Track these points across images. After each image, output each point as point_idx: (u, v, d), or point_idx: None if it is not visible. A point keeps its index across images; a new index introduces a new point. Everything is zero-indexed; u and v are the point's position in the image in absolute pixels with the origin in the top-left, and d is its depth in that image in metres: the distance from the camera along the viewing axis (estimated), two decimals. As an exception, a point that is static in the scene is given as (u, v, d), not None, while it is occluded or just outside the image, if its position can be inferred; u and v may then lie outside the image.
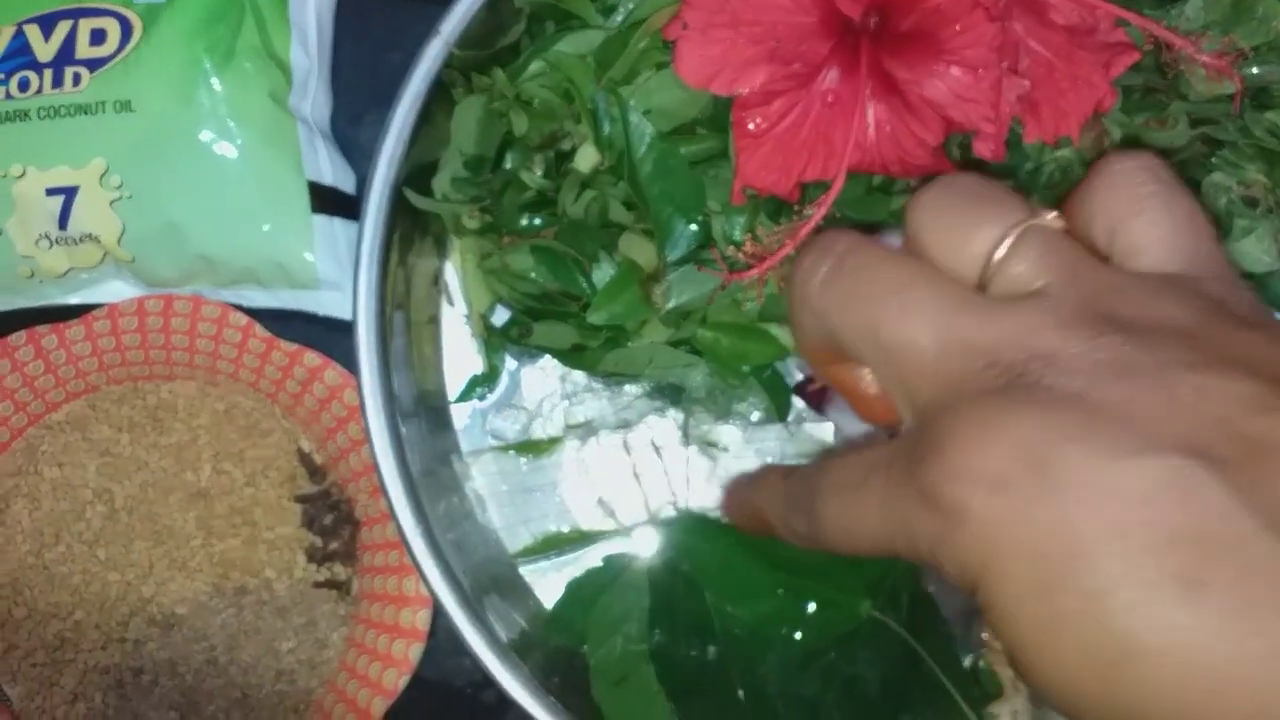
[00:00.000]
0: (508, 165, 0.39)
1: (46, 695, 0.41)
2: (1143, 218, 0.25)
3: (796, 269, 0.27)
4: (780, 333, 0.41)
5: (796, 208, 0.39)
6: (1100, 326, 0.23)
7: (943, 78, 0.38)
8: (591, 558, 0.42)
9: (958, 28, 0.37)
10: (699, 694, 0.37)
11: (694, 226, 0.39)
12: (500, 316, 0.43)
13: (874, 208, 0.40)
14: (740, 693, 0.37)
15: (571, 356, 0.42)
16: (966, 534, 0.22)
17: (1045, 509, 0.21)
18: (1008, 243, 0.25)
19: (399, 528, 0.37)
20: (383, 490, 0.38)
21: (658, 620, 0.37)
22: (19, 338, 0.41)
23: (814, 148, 0.39)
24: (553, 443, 0.42)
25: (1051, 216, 0.25)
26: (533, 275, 0.40)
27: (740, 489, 0.35)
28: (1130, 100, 0.38)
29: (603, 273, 0.40)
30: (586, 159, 0.38)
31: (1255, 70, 0.38)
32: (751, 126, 0.38)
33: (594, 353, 0.41)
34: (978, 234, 0.25)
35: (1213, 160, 0.37)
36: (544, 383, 0.43)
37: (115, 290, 0.41)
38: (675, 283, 0.39)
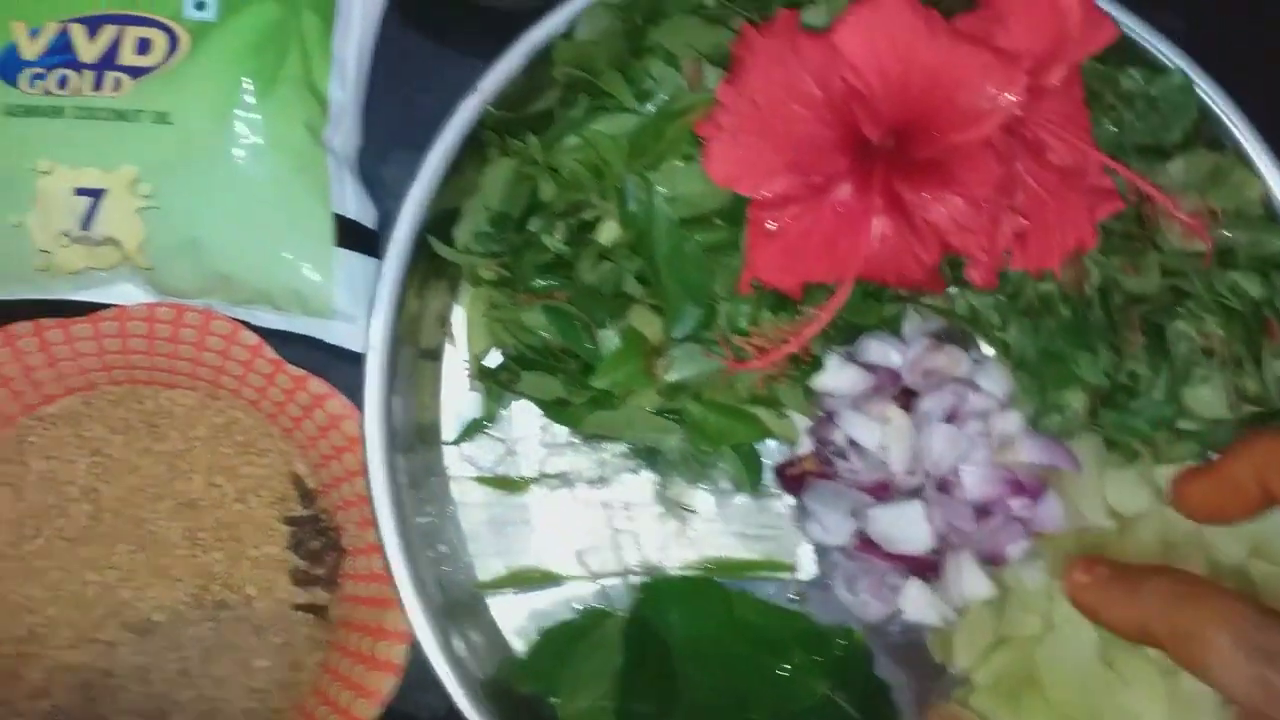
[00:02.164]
0: (531, 227, 0.41)
1: (10, 686, 0.43)
2: None
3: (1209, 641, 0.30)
4: (767, 415, 0.44)
5: (799, 306, 0.42)
6: None
7: (947, 205, 0.41)
8: (558, 598, 0.45)
9: (968, 163, 0.40)
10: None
11: (700, 309, 0.41)
12: (495, 359, 0.46)
13: (867, 313, 0.43)
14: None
15: (555, 410, 0.45)
16: None
17: None
18: None
19: (386, 563, 0.40)
20: (375, 526, 0.41)
21: (627, 685, 0.40)
22: (24, 327, 0.42)
23: (821, 253, 0.42)
24: (526, 483, 0.45)
25: None
26: (541, 331, 0.42)
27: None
28: (1110, 243, 0.43)
29: (607, 338, 0.42)
30: (608, 232, 0.41)
31: (1225, 233, 0.42)
32: (769, 227, 0.41)
33: (577, 409, 0.44)
34: None
35: (1178, 309, 0.42)
36: (525, 423, 0.45)
37: (125, 293, 0.43)
38: (678, 358, 0.42)
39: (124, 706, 0.43)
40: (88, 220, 0.42)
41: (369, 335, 0.43)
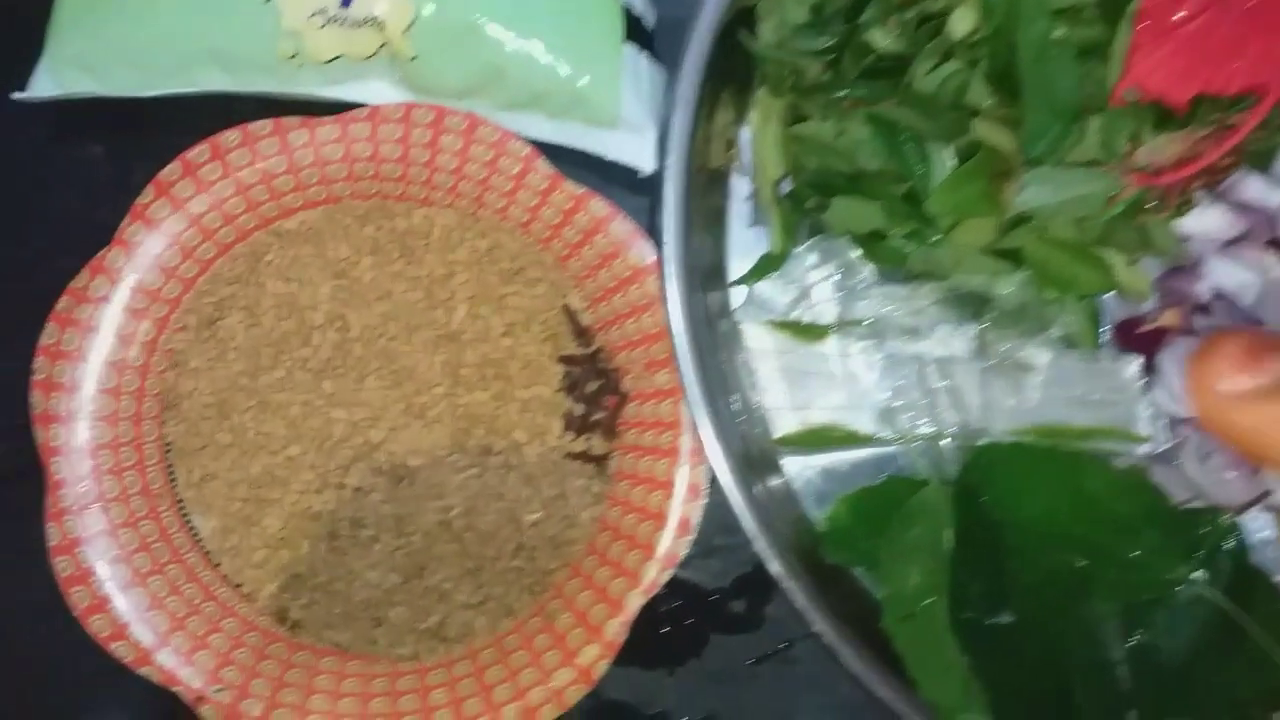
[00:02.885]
0: (863, 18, 0.34)
1: (243, 535, 0.37)
2: None
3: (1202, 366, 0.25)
4: (1116, 262, 0.37)
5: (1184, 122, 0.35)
6: None
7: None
8: (859, 460, 0.41)
9: None
10: (993, 655, 0.36)
11: (1063, 124, 0.34)
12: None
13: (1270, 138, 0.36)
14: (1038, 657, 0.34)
15: (869, 244, 0.39)
16: None
17: None
18: None
19: (691, 408, 0.36)
20: (675, 366, 0.35)
21: (959, 564, 0.34)
22: (263, 126, 0.37)
23: (1227, 55, 0.34)
24: (825, 331, 0.39)
25: None
26: (861, 150, 0.36)
27: None
28: None
29: (940, 159, 0.36)
30: (962, 23, 0.34)
31: None
32: (1172, 19, 0.33)
33: (897, 245, 0.37)
34: None
35: None
36: (818, 262, 0.39)
37: (377, 92, 0.37)
38: (1032, 182, 0.35)
39: (375, 561, 0.38)
40: (347, -3, 0.36)
41: (669, 145, 0.37)
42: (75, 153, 0.42)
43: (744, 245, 0.42)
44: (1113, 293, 0.41)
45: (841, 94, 0.38)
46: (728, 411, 0.38)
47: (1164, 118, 0.37)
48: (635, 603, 0.38)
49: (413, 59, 0.38)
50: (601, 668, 0.38)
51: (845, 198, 0.39)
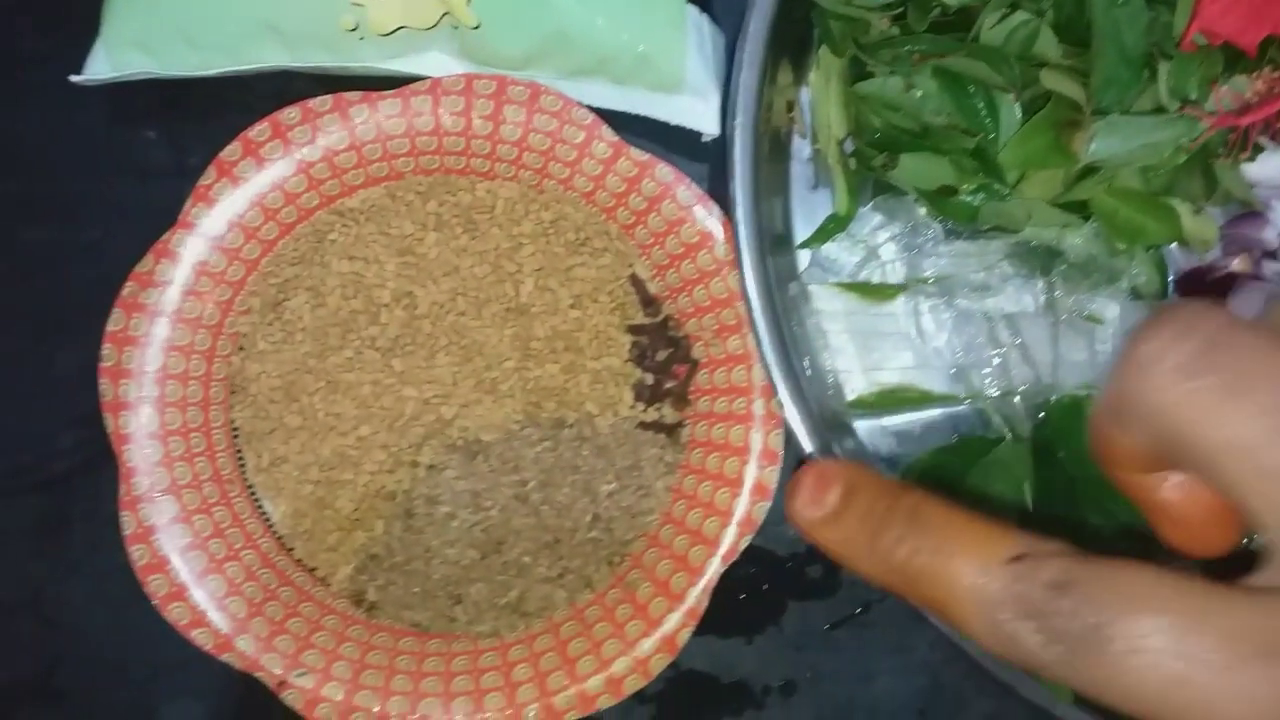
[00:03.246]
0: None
1: (316, 518, 0.37)
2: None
3: (1137, 345, 0.22)
4: (1183, 211, 0.37)
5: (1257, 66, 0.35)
6: None
7: None
8: (931, 420, 0.41)
9: None
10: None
11: (1134, 71, 0.34)
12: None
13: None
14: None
15: (939, 201, 0.38)
16: None
17: None
18: None
19: (768, 372, 0.35)
20: (751, 330, 0.34)
21: (1035, 521, 0.34)
22: (323, 102, 0.36)
23: (1296, -5, 0.34)
24: (893, 290, 0.38)
25: None
26: (927, 106, 0.35)
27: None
28: None
29: (1008, 111, 0.35)
30: None
31: None
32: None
33: (966, 201, 0.37)
34: None
35: None
36: (883, 222, 0.39)
37: (436, 64, 0.37)
38: (1102, 130, 0.35)
39: (453, 538, 0.38)
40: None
41: (736, 107, 0.36)
42: (128, 137, 0.41)
43: (807, 208, 0.41)
44: (1176, 244, 0.41)
45: (909, 49, 0.38)
46: (802, 375, 0.38)
47: (1233, 61, 0.37)
48: (716, 569, 0.38)
49: (475, 28, 0.37)
50: (685, 636, 0.38)
51: (913, 155, 0.39)
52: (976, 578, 0.23)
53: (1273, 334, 0.21)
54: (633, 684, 0.38)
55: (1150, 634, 0.20)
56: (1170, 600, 0.20)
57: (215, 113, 0.41)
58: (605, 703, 0.38)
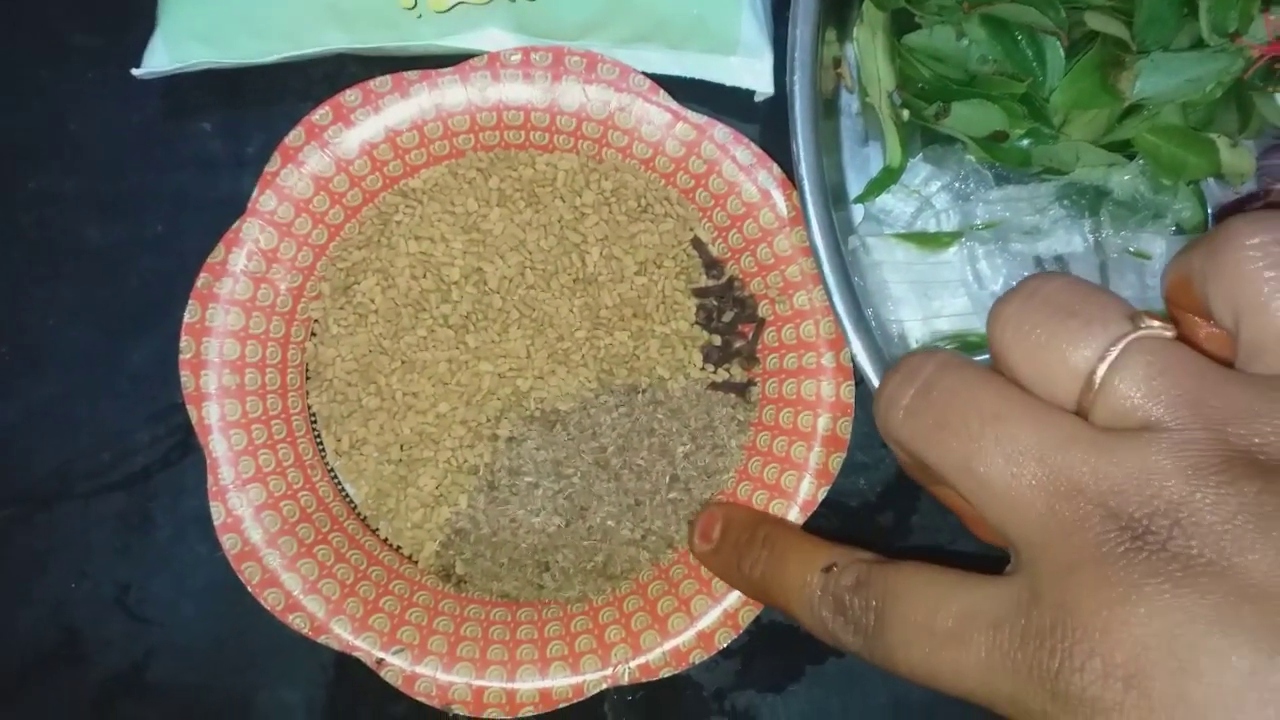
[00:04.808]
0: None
1: (399, 497, 0.38)
2: (1275, 306, 0.22)
3: (879, 394, 0.25)
4: (1221, 145, 0.38)
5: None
6: (1234, 469, 0.20)
7: None
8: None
9: None
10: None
11: (1175, 10, 0.35)
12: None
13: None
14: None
15: (991, 147, 0.39)
16: None
17: (1190, 716, 0.19)
18: (1109, 360, 0.22)
19: (841, 324, 0.36)
20: (821, 281, 0.36)
21: None
22: (383, 83, 0.36)
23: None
24: (951, 238, 0.39)
25: (1158, 325, 0.22)
26: (972, 50, 0.36)
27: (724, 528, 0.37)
28: None
29: (1054, 55, 0.36)
30: None
31: None
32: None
33: (1015, 145, 0.38)
34: (1071, 351, 0.22)
35: None
36: (933, 173, 0.40)
37: (492, 39, 0.37)
38: (1146, 68, 0.36)
39: (538, 506, 0.38)
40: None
41: (795, 64, 0.37)
42: (184, 130, 0.41)
43: (858, 163, 0.42)
44: (1214, 179, 0.42)
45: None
46: (868, 326, 0.39)
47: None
48: (796, 520, 0.39)
49: (531, 1, 0.38)
50: (770, 588, 0.39)
51: (964, 103, 0.40)
52: (803, 583, 0.29)
53: (975, 371, 0.24)
54: (723, 637, 0.39)
55: (908, 614, 0.24)
56: (924, 587, 0.24)
57: (269, 100, 0.41)
58: (698, 658, 0.39)
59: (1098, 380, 0.22)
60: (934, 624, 0.23)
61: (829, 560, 0.29)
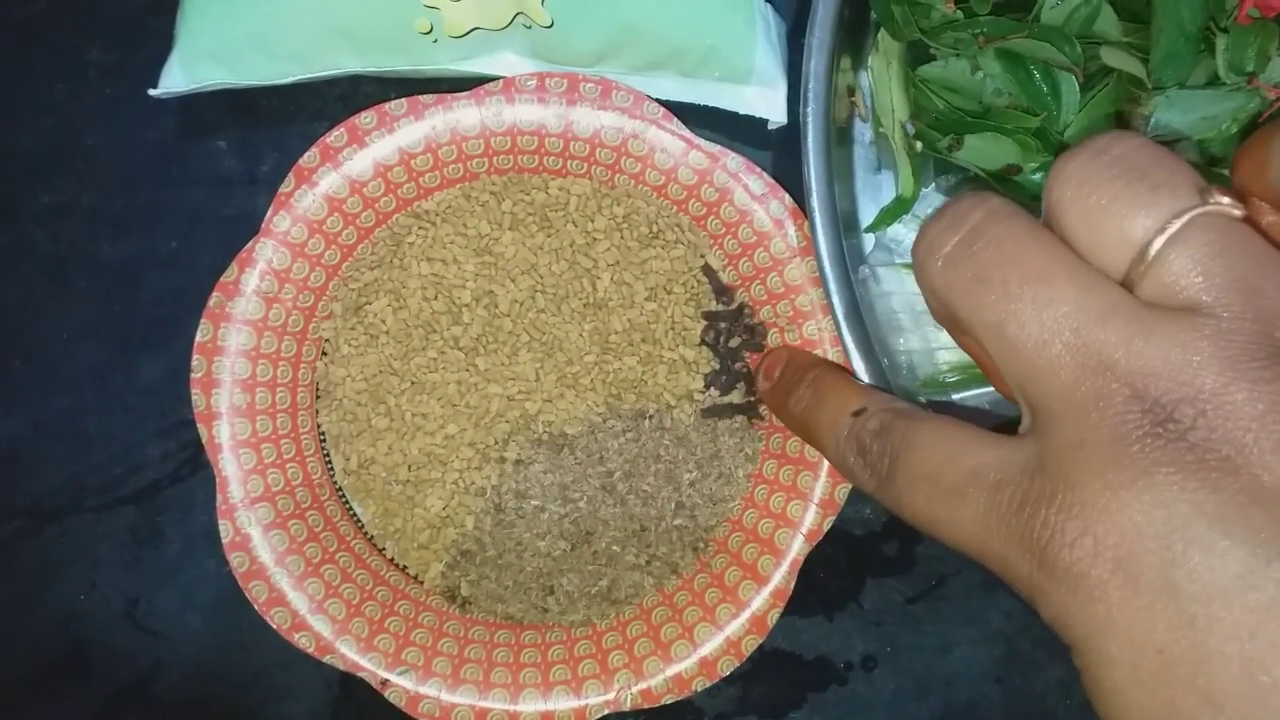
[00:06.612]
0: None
1: (406, 517, 0.38)
2: None
3: (922, 236, 0.25)
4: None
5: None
6: (1276, 367, 0.19)
7: None
8: (995, 400, 0.41)
9: None
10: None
11: (1192, 46, 0.35)
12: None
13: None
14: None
15: (1004, 180, 0.39)
16: (1076, 603, 0.20)
17: (1174, 608, 0.19)
18: (1169, 233, 0.21)
19: (848, 355, 0.37)
20: (831, 312, 0.36)
21: None
22: (399, 106, 0.37)
23: (1350, -33, 0.35)
24: None
25: (1228, 202, 0.21)
26: (986, 83, 0.37)
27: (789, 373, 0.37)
28: None
29: (1069, 89, 0.36)
30: None
31: None
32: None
33: (1028, 178, 0.38)
34: (1132, 218, 0.21)
35: None
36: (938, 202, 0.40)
37: (507, 64, 0.37)
38: (1161, 105, 0.36)
39: (544, 529, 0.39)
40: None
41: (809, 93, 0.37)
42: (199, 148, 0.42)
43: (869, 191, 0.42)
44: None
45: (972, 32, 0.39)
46: (876, 357, 0.39)
47: (1288, 35, 0.38)
48: (801, 549, 0.39)
49: (549, 25, 0.38)
50: (774, 617, 0.39)
51: (978, 135, 0.40)
52: (833, 423, 0.30)
53: (1025, 224, 0.23)
54: (726, 665, 0.39)
55: (918, 465, 0.25)
56: (938, 442, 0.25)
57: (284, 120, 0.41)
58: (700, 685, 0.39)
59: (1152, 252, 0.21)
60: (941, 477, 0.24)
61: (860, 404, 0.30)
